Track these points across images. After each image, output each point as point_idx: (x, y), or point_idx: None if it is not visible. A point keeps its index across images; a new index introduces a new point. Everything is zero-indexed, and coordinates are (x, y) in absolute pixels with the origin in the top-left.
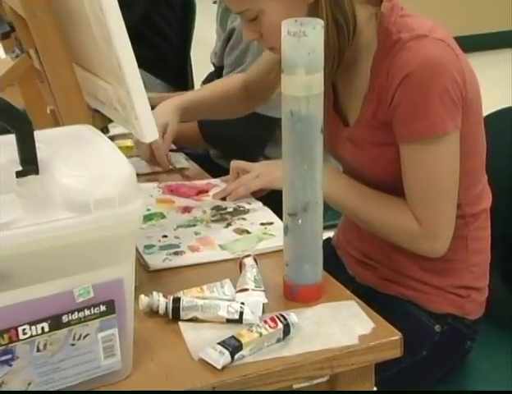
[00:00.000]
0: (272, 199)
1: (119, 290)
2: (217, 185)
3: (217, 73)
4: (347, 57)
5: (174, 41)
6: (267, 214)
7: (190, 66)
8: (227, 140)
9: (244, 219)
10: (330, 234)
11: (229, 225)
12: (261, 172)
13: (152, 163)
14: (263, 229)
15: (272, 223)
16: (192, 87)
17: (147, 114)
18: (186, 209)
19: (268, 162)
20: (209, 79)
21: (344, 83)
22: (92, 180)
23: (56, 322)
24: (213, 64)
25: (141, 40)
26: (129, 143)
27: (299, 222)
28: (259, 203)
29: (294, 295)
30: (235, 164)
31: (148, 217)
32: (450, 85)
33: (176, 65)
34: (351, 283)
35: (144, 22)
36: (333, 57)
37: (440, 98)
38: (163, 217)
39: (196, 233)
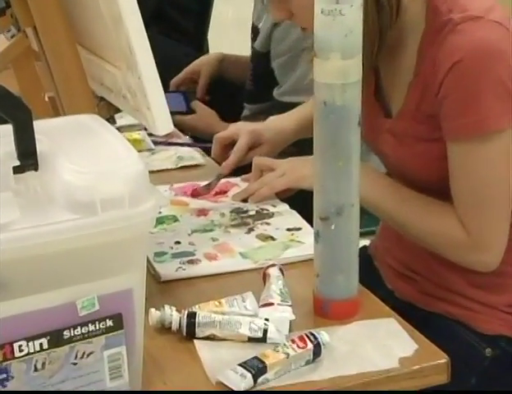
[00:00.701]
0: (299, 200)
1: (128, 303)
2: (237, 184)
3: (260, 59)
4: (390, 38)
5: (190, 28)
6: (295, 218)
7: (207, 50)
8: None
9: (268, 224)
10: (366, 242)
11: (251, 230)
12: (287, 170)
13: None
14: (290, 235)
15: (300, 229)
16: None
17: (161, 103)
18: (202, 212)
19: (295, 158)
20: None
21: (387, 67)
22: (98, 177)
23: (56, 339)
24: (254, 49)
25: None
26: (137, 135)
27: (332, 227)
28: (285, 206)
29: (325, 310)
30: (257, 161)
31: (158, 221)
32: (506, 75)
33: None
34: (390, 298)
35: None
36: (374, 39)
37: (493, 90)
38: (176, 220)
39: (213, 239)
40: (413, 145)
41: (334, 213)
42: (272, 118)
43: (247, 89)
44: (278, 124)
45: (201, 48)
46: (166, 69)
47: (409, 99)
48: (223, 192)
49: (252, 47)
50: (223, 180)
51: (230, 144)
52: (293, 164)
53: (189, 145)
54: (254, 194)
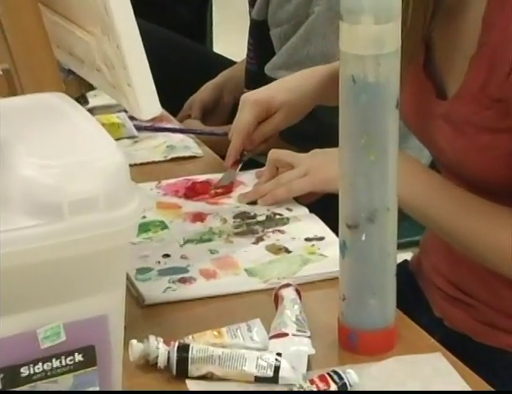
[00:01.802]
0: (322, 203)
1: (102, 333)
2: (244, 182)
3: (258, 29)
4: (447, 1)
5: None
6: (316, 225)
7: (211, 23)
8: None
9: (281, 232)
10: (407, 255)
11: (260, 240)
12: (310, 168)
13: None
14: (310, 247)
15: (322, 239)
16: (210, 45)
17: (145, 78)
18: (198, 217)
19: (322, 151)
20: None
21: (442, 38)
22: (66, 172)
23: (11, 377)
24: (252, 19)
25: None
26: (116, 119)
27: (363, 237)
28: (304, 210)
29: (353, 343)
30: (273, 154)
31: (142, 228)
32: None
33: (192, 20)
34: (438, 328)
35: None
36: (426, 1)
37: None
38: (165, 227)
39: (212, 251)
40: (475, 136)
41: (365, 219)
42: (282, 78)
43: (248, 69)
44: (293, 81)
45: (202, 39)
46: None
47: (470, 78)
48: (226, 191)
49: (250, 16)
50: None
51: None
52: (319, 161)
53: (182, 131)
54: (267, 195)
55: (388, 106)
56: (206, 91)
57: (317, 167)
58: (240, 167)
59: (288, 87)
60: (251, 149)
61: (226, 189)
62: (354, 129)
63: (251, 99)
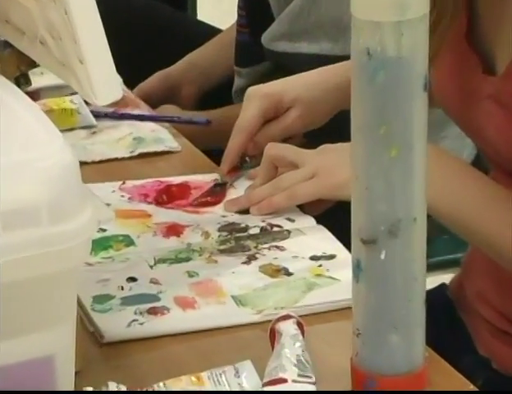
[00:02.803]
0: (332, 213)
1: (46, 378)
2: (233, 185)
3: None
4: None
5: None
6: (325, 240)
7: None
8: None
9: (280, 249)
10: (445, 278)
11: (252, 259)
12: (320, 168)
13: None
14: (316, 267)
15: (332, 257)
16: (193, 12)
17: (101, 53)
18: (173, 230)
19: (334, 147)
20: None
21: (489, 4)
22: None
23: None
24: None
25: None
26: (68, 103)
27: (382, 255)
28: (310, 220)
29: (371, 390)
30: (272, 150)
31: (101, 245)
32: None
33: None
34: (482, 370)
35: None
36: None
37: None
38: (130, 243)
39: (191, 274)
40: None
41: (385, 232)
42: (300, 74)
43: (238, 41)
44: (312, 76)
45: (183, 5)
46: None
47: None
48: (212, 203)
49: None
50: (210, 177)
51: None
52: (330, 159)
53: (153, 119)
54: (262, 203)
55: (413, 87)
56: (154, 81)
57: (328, 167)
58: (237, 176)
59: (306, 82)
60: (254, 155)
61: (216, 199)
62: (370, 117)
63: (259, 92)
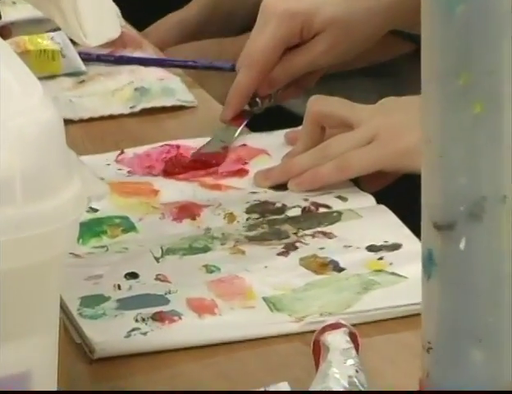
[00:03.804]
0: (398, 190)
1: None
2: (265, 151)
3: None
4: None
5: None
6: (387, 224)
7: None
8: None
9: (328, 236)
10: None
11: (291, 249)
12: (381, 130)
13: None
14: (376, 261)
15: (397, 247)
16: None
17: None
18: (186, 210)
19: (398, 101)
20: None
21: None
22: None
23: None
24: None
25: None
26: (49, 42)
27: (461, 245)
28: (368, 199)
29: None
30: (318, 106)
31: (92, 230)
32: None
33: None
34: None
35: None
36: None
37: None
38: (130, 228)
39: (210, 269)
40: None
41: (465, 214)
42: None
43: None
44: None
45: None
46: None
47: None
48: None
49: None
50: (237, 142)
51: None
52: (394, 119)
53: (161, 63)
54: (304, 174)
55: (502, 23)
56: (167, 25)
57: (392, 128)
58: (245, 123)
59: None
60: (268, 96)
61: (213, 160)
62: (446, 63)
63: (279, 8)
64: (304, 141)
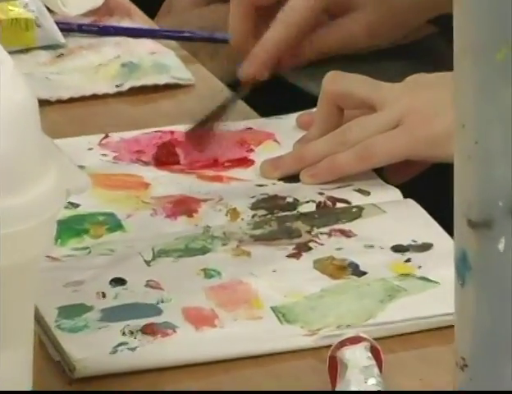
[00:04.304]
0: (427, 182)
1: None
2: (273, 136)
3: None
4: None
5: None
6: (415, 221)
7: None
8: None
9: (347, 234)
10: None
11: (303, 250)
12: (408, 113)
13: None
14: (402, 264)
15: (427, 247)
16: None
17: None
18: (182, 205)
19: (428, 78)
20: None
21: None
22: None
23: None
24: None
25: None
26: (22, 10)
27: (500, 245)
28: (393, 192)
29: None
30: (334, 83)
31: (72, 229)
32: None
33: None
34: None
35: None
36: None
37: None
38: (116, 226)
39: (209, 273)
40: None
41: (505, 210)
42: None
43: None
44: None
45: None
46: None
47: None
48: (238, 156)
49: None
50: (240, 126)
51: None
52: (424, 100)
53: (153, 34)
54: (320, 163)
55: None
56: None
57: (421, 110)
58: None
59: None
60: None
61: (201, 136)
62: (482, 35)
63: None
64: (320, 125)
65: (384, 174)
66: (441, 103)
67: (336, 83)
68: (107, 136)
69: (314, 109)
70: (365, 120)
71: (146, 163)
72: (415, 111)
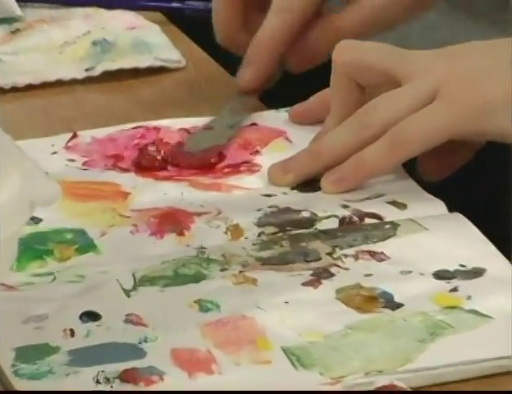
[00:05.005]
0: (475, 190)
1: None
2: (285, 132)
3: None
4: None
5: None
6: (464, 239)
7: None
8: None
9: (377, 257)
10: None
11: (323, 276)
12: (447, 81)
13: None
14: (447, 293)
15: (478, 273)
16: None
17: None
18: (170, 220)
19: (468, 43)
20: None
21: None
22: None
23: None
24: None
25: None
26: None
27: None
28: (435, 204)
29: None
30: (347, 53)
31: (33, 250)
32: None
33: None
34: None
35: None
36: None
37: None
38: (88, 247)
39: (204, 306)
40: None
41: None
42: None
43: None
44: None
45: None
46: None
47: None
48: (241, 159)
49: None
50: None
51: None
52: (466, 65)
53: (132, 4)
54: (342, 166)
55: None
56: None
57: (463, 76)
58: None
59: None
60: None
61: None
62: None
63: None
64: (336, 110)
65: (417, 169)
66: (489, 67)
67: (349, 53)
68: (75, 136)
69: (325, 90)
70: (392, 96)
71: (125, 170)
72: (455, 77)
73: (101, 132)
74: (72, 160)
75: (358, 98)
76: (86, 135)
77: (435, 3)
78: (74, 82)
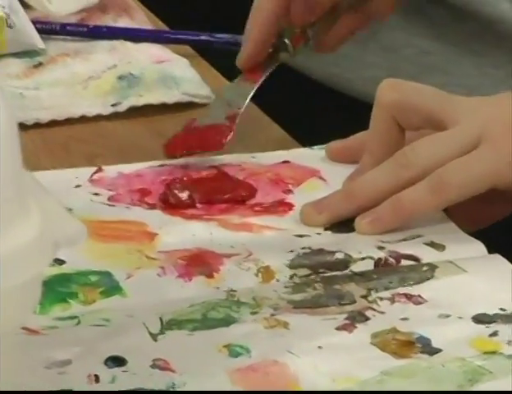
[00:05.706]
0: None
1: None
2: (319, 172)
3: None
4: None
5: None
6: (504, 283)
7: None
8: None
9: (414, 300)
10: None
11: (358, 320)
12: (491, 125)
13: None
14: (486, 338)
15: None
16: None
17: None
18: (199, 262)
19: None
20: None
21: None
22: None
23: None
24: None
25: None
26: None
27: None
28: (474, 246)
29: None
30: (391, 93)
31: (56, 292)
32: None
33: None
34: None
35: None
36: None
37: None
38: (114, 289)
39: (234, 351)
40: None
41: None
42: None
43: None
44: None
45: None
46: None
47: None
48: (273, 199)
49: None
50: (275, 159)
51: None
52: (504, 110)
53: (160, 37)
54: (380, 207)
55: None
56: None
57: (507, 125)
58: (264, 77)
59: None
60: (303, 35)
61: (210, 136)
62: None
63: None
64: (374, 149)
65: (457, 218)
66: None
67: (394, 92)
68: (100, 170)
69: (363, 133)
70: (435, 138)
71: (151, 206)
72: (501, 123)
73: (127, 168)
74: (97, 194)
75: (398, 140)
76: (111, 170)
77: None
78: (99, 118)
